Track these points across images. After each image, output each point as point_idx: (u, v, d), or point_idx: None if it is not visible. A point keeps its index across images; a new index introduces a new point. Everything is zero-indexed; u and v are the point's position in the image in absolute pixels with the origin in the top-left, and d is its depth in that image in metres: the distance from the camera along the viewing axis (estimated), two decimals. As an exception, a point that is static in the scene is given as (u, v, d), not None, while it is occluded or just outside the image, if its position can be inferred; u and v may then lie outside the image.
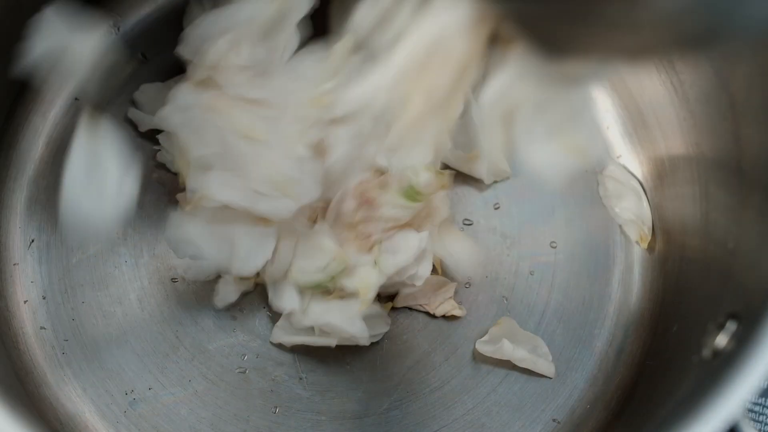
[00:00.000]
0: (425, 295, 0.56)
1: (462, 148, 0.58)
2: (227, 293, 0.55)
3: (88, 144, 0.46)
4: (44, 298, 0.56)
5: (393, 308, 0.57)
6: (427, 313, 0.57)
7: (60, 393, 0.55)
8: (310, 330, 0.54)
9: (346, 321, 0.53)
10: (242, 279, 0.55)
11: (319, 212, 0.53)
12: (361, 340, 0.53)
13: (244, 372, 0.56)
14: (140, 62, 0.60)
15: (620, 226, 0.60)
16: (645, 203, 0.59)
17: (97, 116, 0.47)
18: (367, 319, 0.54)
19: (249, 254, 0.52)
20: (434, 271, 0.57)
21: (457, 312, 0.56)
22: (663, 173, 0.59)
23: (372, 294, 0.53)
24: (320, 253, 0.53)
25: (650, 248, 0.59)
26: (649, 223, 0.59)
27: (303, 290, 0.53)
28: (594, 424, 0.56)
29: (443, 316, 0.57)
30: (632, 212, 0.59)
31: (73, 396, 0.55)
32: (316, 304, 0.54)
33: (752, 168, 0.47)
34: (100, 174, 0.46)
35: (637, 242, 0.59)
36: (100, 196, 0.46)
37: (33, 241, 0.57)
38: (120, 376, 0.55)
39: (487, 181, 0.59)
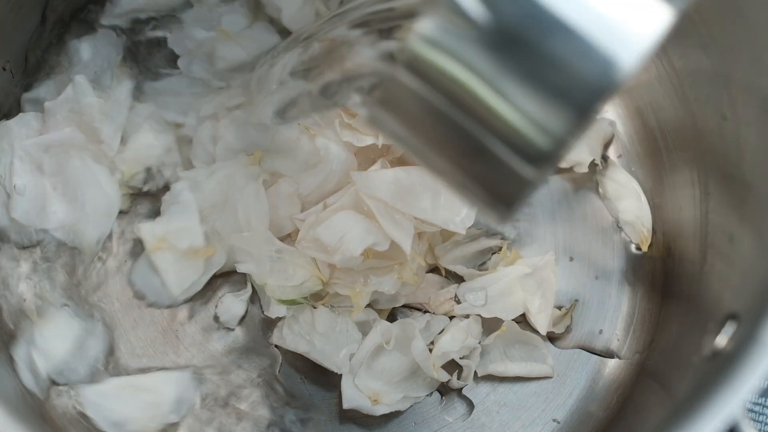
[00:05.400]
0: (426, 294, 0.56)
1: None
2: (231, 309, 0.55)
3: None
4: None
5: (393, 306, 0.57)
6: (427, 312, 0.57)
7: (60, 393, 0.55)
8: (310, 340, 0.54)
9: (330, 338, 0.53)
10: (239, 292, 0.55)
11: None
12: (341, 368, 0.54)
13: (244, 371, 0.56)
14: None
15: (620, 227, 0.60)
16: (645, 204, 0.59)
17: None
18: (359, 325, 0.54)
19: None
20: (437, 271, 0.57)
21: (456, 313, 0.56)
22: (663, 174, 0.59)
23: (364, 301, 0.53)
24: (297, 271, 0.53)
25: (650, 249, 0.59)
26: (649, 225, 0.59)
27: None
28: (594, 424, 0.56)
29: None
30: (632, 213, 0.59)
31: (73, 396, 0.55)
32: (308, 310, 0.54)
33: (752, 169, 0.47)
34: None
35: (636, 243, 0.59)
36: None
37: (33, 240, 0.57)
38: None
39: None
